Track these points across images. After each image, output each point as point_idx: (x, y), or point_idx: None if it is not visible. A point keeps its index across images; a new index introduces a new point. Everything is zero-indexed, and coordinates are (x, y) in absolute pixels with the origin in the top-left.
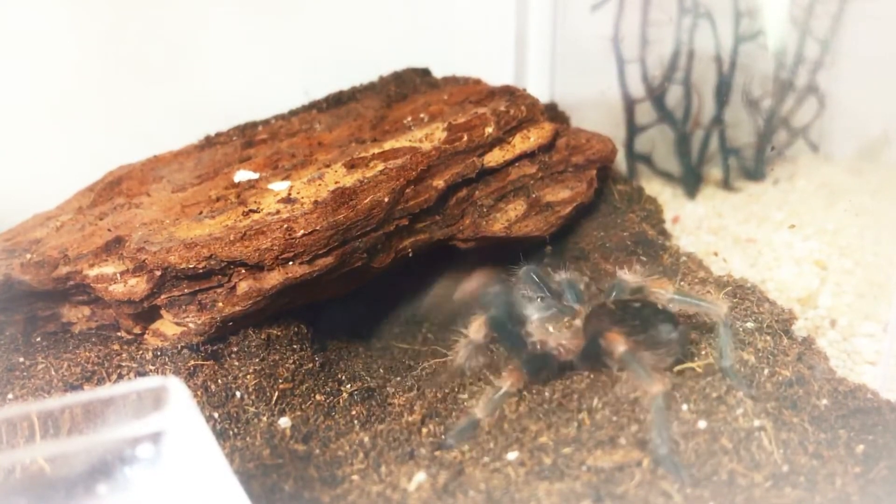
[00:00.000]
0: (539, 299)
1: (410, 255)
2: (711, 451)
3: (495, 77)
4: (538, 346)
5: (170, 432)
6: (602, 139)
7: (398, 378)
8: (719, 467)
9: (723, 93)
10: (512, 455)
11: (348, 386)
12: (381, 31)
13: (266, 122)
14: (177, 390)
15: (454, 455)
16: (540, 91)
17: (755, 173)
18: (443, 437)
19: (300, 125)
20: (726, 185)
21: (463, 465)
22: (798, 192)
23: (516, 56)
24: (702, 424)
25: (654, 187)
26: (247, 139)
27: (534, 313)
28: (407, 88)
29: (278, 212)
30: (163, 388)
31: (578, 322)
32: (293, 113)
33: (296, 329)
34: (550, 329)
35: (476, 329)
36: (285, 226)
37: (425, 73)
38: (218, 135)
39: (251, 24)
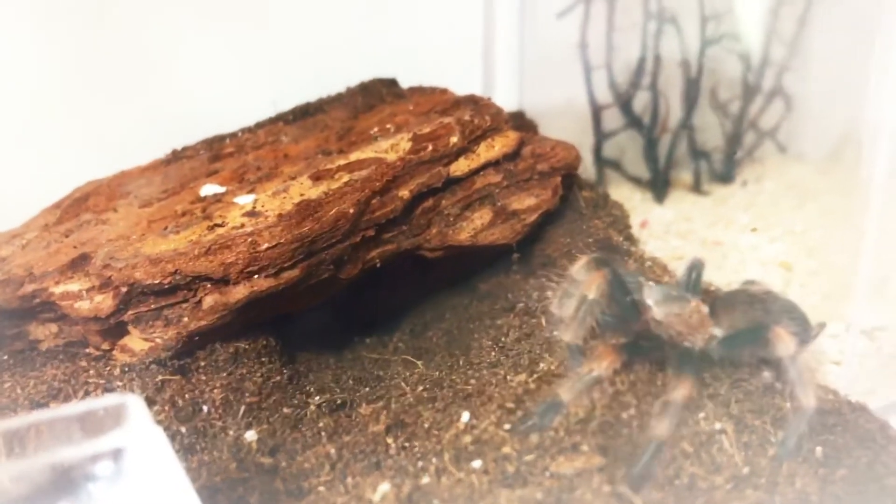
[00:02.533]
0: (652, 283)
1: (378, 265)
2: (672, 455)
3: (464, 86)
4: (672, 334)
5: (130, 449)
6: (566, 146)
7: (367, 389)
8: (680, 471)
9: (690, 97)
10: (476, 463)
11: (317, 398)
12: (349, 42)
13: (233, 136)
14: (136, 407)
15: (420, 464)
16: (508, 99)
17: (724, 176)
18: (526, 420)
19: (266, 137)
20: (695, 188)
21: (427, 474)
22: (766, 194)
23: (484, 64)
24: None
25: (623, 192)
26: (214, 153)
27: (655, 296)
28: (374, 99)
29: (243, 225)
30: (122, 406)
31: (704, 308)
32: (259, 125)
33: (264, 342)
34: (677, 313)
35: (593, 286)
36: (250, 239)
37: (392, 83)
38: (185, 149)
39: (219, 37)
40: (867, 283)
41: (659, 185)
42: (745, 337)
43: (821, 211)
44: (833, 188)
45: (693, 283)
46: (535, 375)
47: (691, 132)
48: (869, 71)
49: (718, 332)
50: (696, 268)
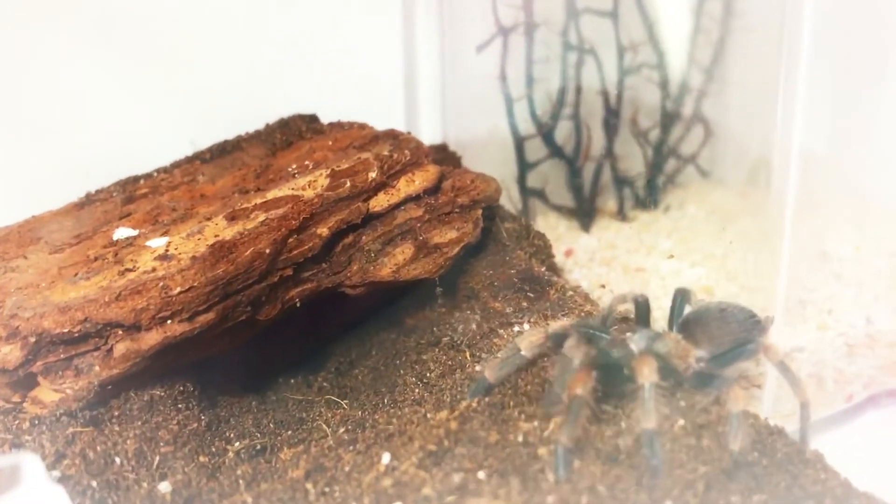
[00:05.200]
0: (630, 334)
1: (298, 304)
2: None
3: (387, 120)
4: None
5: None
6: (486, 179)
7: (289, 432)
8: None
9: (611, 125)
10: None
11: (236, 444)
12: (271, 78)
13: (148, 176)
14: (31, 467)
15: None
16: (432, 131)
17: (647, 202)
18: None
19: (182, 177)
20: (620, 215)
21: None
22: (688, 219)
23: (406, 98)
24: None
25: (549, 221)
26: (127, 194)
27: (641, 344)
28: (293, 135)
29: (154, 269)
30: (15, 467)
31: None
32: (176, 165)
33: (181, 388)
34: (665, 352)
35: (578, 386)
36: (161, 284)
37: (312, 119)
38: (98, 191)
39: (136, 76)
40: (784, 306)
41: (584, 214)
42: (735, 354)
43: (740, 234)
44: (750, 211)
45: (678, 312)
46: (457, 412)
47: (614, 160)
48: (777, 95)
49: (702, 353)
50: (682, 296)
